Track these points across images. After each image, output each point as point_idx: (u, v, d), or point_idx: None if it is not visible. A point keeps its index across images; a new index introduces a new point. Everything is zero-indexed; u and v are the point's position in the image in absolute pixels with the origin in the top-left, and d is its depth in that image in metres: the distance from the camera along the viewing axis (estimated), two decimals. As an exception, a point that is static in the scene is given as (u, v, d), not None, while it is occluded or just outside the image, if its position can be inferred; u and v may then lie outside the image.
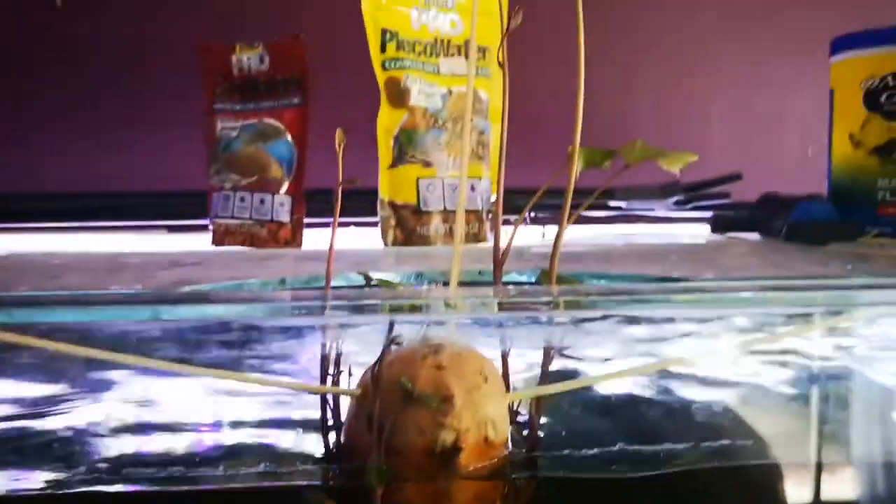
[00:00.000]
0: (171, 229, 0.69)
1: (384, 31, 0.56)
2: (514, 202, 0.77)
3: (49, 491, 0.24)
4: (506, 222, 0.37)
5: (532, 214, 0.67)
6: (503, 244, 0.33)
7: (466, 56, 0.59)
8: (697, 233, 0.73)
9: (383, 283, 0.36)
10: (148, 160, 0.82)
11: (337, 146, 0.31)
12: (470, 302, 0.32)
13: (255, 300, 0.26)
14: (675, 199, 0.79)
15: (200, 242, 0.57)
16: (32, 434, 0.27)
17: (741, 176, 0.79)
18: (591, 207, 0.77)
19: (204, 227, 0.58)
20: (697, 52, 1.07)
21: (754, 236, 0.67)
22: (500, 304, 0.32)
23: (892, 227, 0.63)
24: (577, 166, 0.35)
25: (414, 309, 0.30)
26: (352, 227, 0.64)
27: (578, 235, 0.71)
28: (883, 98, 0.63)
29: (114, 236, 0.68)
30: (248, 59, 0.55)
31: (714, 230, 0.70)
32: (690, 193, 0.79)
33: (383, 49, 0.56)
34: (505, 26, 0.39)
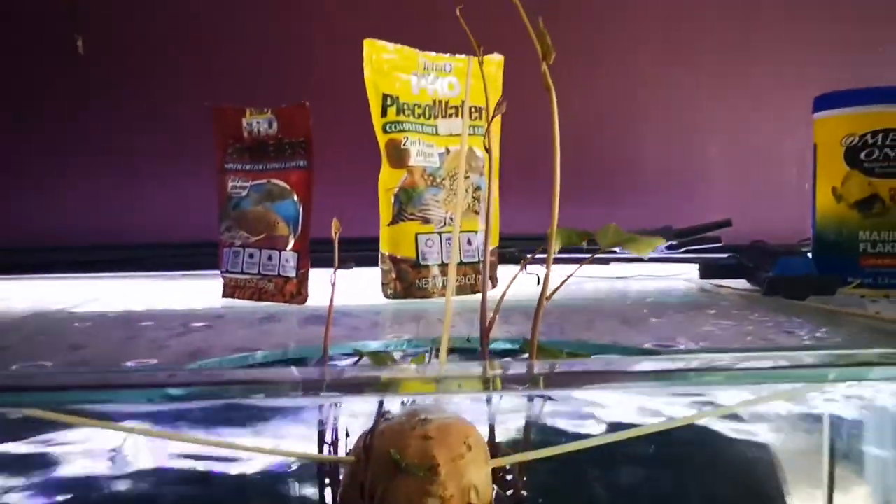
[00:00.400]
0: (186, 276, 0.73)
1: (385, 96, 0.59)
2: (511, 250, 0.80)
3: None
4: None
5: (529, 256, 0.70)
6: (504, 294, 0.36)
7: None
8: (688, 277, 0.76)
9: (373, 359, 0.39)
10: (166, 212, 0.86)
11: (333, 234, 0.34)
12: (454, 380, 0.35)
13: (258, 382, 0.29)
14: (667, 244, 0.82)
15: (213, 293, 0.60)
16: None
17: (731, 222, 0.82)
18: (587, 250, 0.79)
19: (216, 275, 0.61)
20: (695, 98, 1.11)
21: (741, 283, 0.70)
22: (483, 382, 0.35)
23: (872, 277, 0.66)
24: (554, 246, 0.38)
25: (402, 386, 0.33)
26: (355, 269, 0.68)
27: (574, 278, 0.74)
28: (862, 155, 0.66)
29: (135, 282, 0.72)
30: (258, 122, 0.58)
31: (702, 276, 0.73)
32: (682, 238, 0.82)
33: (384, 113, 0.59)
34: (490, 114, 0.42)
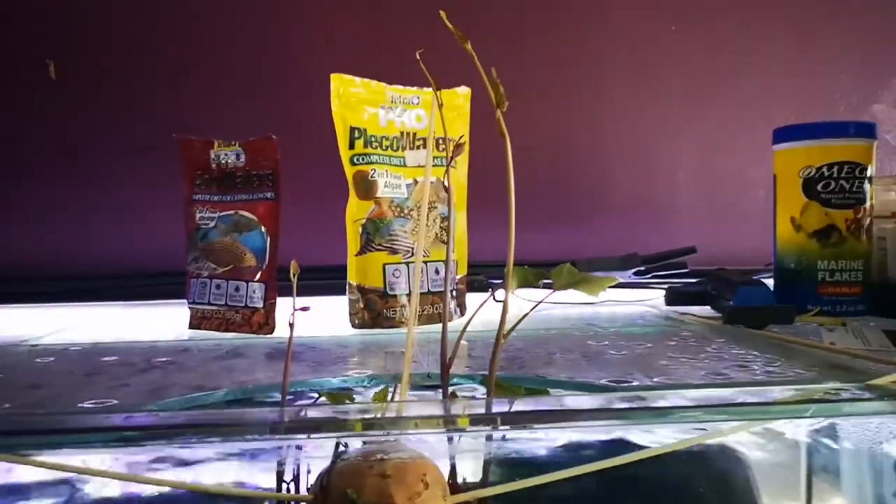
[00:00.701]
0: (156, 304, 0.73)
1: (353, 129, 0.60)
2: (480, 277, 0.81)
3: None
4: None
5: (496, 283, 0.71)
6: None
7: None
8: (654, 303, 0.77)
9: (331, 398, 0.39)
10: (132, 241, 0.86)
11: (291, 276, 0.35)
12: (410, 420, 0.36)
13: (215, 426, 0.30)
14: (634, 269, 0.84)
15: (180, 321, 0.61)
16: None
17: (696, 249, 0.84)
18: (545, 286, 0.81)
19: (184, 304, 0.61)
20: (663, 125, 1.13)
21: (706, 309, 0.71)
22: (442, 422, 0.35)
23: (831, 304, 0.68)
24: (511, 284, 0.39)
25: (361, 425, 0.34)
26: (325, 297, 0.68)
27: (542, 304, 0.75)
28: (819, 186, 0.68)
29: (104, 310, 0.72)
30: (226, 154, 0.59)
31: (668, 303, 0.74)
32: (649, 265, 0.84)
33: (352, 146, 0.60)
34: (449, 155, 0.43)
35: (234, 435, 0.30)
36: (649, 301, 0.80)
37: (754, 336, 0.56)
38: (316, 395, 0.41)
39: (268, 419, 0.32)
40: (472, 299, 0.66)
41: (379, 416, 0.34)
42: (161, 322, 0.71)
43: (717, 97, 1.13)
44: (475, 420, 0.34)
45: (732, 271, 0.76)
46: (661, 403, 0.34)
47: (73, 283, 0.72)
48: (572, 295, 0.78)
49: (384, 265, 0.61)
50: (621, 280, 0.85)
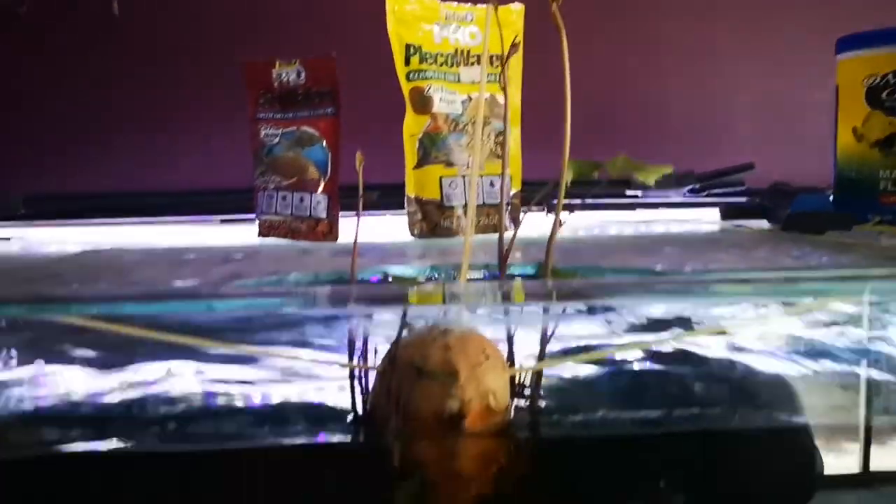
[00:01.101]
0: (224, 222, 0.78)
1: (408, 46, 0.61)
2: (533, 195, 0.83)
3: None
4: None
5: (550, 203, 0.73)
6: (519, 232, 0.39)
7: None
8: (710, 220, 0.77)
9: (398, 280, 0.42)
10: (203, 161, 0.90)
11: (357, 167, 0.37)
12: (473, 292, 0.38)
13: (292, 294, 0.33)
14: (689, 187, 0.83)
15: (248, 235, 0.64)
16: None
17: (753, 165, 0.83)
18: (608, 196, 0.81)
19: (251, 221, 0.65)
20: (720, 46, 1.10)
21: (762, 223, 0.71)
22: (502, 294, 0.38)
23: (892, 214, 0.67)
24: (567, 175, 0.41)
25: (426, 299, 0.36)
26: (387, 216, 0.71)
27: (595, 221, 0.76)
28: (884, 95, 0.66)
29: (176, 228, 0.77)
30: (287, 73, 0.61)
31: (724, 218, 0.74)
32: (705, 182, 0.83)
33: (407, 62, 0.61)
34: (505, 57, 0.44)
35: (312, 303, 0.33)
36: (704, 220, 0.80)
37: (812, 240, 0.56)
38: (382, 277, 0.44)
39: (339, 291, 0.35)
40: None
41: (441, 290, 0.37)
42: (230, 234, 0.75)
43: (777, 17, 1.10)
44: (531, 294, 0.36)
45: (790, 186, 0.75)
46: (714, 277, 0.35)
47: (145, 199, 0.76)
48: (627, 216, 0.79)
49: (441, 178, 0.62)
50: (676, 198, 0.85)
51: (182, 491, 0.34)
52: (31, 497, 0.34)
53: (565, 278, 0.40)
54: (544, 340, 0.40)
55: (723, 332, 0.39)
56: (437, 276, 0.45)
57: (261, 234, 0.62)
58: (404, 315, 0.36)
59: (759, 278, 0.35)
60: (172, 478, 0.34)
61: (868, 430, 0.38)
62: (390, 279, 0.42)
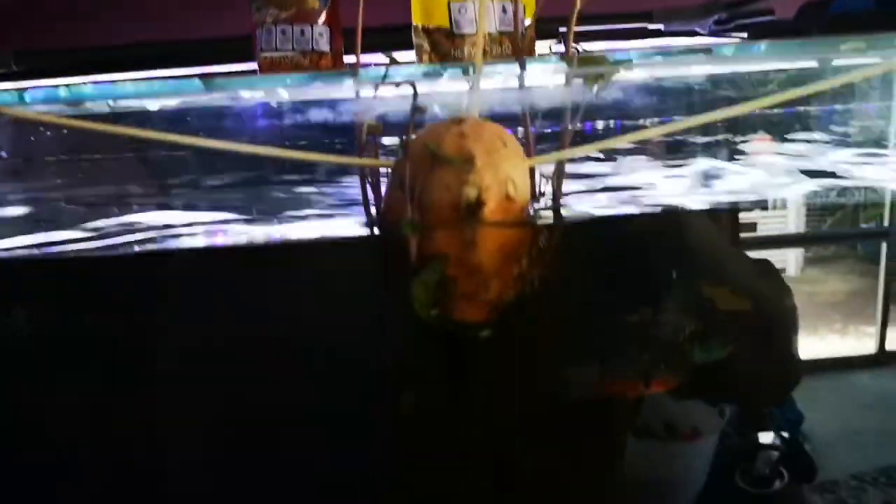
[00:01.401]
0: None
1: None
2: (550, 29, 0.78)
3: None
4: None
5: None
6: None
7: None
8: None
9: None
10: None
11: None
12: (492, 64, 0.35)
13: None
14: (716, 18, 0.78)
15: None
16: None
17: (784, -12, 0.77)
18: (630, 31, 0.77)
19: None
20: None
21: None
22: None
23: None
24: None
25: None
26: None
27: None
28: None
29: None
30: None
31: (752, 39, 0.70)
32: (732, 10, 0.78)
33: None
34: None
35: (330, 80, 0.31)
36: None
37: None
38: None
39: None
40: (541, 47, 0.63)
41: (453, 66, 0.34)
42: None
43: None
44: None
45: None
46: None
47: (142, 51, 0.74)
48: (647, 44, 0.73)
49: (449, 2, 0.58)
50: (702, 31, 0.80)
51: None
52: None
53: (593, 62, 0.37)
54: (565, 129, 0.38)
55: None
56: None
57: (261, 71, 0.59)
58: (415, 95, 0.34)
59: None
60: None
61: (885, 311, 0.37)
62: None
